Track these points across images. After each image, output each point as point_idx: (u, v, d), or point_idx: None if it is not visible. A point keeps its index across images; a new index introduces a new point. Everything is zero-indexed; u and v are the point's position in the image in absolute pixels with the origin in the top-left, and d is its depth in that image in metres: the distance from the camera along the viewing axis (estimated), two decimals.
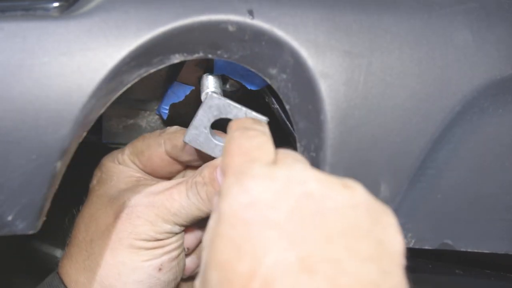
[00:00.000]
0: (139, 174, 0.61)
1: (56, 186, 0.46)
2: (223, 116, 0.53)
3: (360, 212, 0.37)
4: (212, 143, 0.55)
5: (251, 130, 0.46)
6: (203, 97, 0.55)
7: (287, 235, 0.35)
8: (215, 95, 0.53)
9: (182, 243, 0.59)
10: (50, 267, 0.59)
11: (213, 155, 0.55)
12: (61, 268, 0.58)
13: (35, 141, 0.44)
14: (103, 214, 0.57)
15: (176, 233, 0.57)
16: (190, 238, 0.62)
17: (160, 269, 0.56)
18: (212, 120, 0.53)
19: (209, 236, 0.39)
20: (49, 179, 0.45)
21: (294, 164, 0.41)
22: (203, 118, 0.53)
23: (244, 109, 0.52)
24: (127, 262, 0.55)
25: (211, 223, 0.40)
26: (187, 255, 0.62)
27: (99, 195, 0.59)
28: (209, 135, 0.54)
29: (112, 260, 0.55)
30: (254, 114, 0.52)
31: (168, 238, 0.56)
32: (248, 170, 0.39)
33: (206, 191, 0.54)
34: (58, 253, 0.85)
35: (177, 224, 0.56)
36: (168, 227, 0.55)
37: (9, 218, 0.44)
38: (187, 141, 0.55)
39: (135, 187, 0.58)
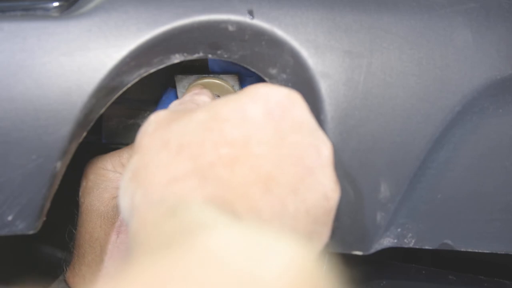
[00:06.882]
0: None
1: (56, 186, 0.46)
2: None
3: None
4: None
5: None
6: None
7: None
8: (182, 75, 0.55)
9: None
10: (51, 267, 0.59)
11: None
12: (74, 286, 0.54)
13: (35, 141, 0.44)
14: (102, 234, 0.54)
15: None
16: None
17: None
18: None
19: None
20: (49, 179, 0.45)
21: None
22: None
23: (212, 75, 0.56)
24: None
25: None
26: None
27: (87, 211, 0.55)
28: None
29: None
30: (224, 76, 0.56)
31: None
32: None
33: None
34: (58, 253, 0.85)
35: None
36: None
37: (9, 218, 0.44)
38: None
39: None
